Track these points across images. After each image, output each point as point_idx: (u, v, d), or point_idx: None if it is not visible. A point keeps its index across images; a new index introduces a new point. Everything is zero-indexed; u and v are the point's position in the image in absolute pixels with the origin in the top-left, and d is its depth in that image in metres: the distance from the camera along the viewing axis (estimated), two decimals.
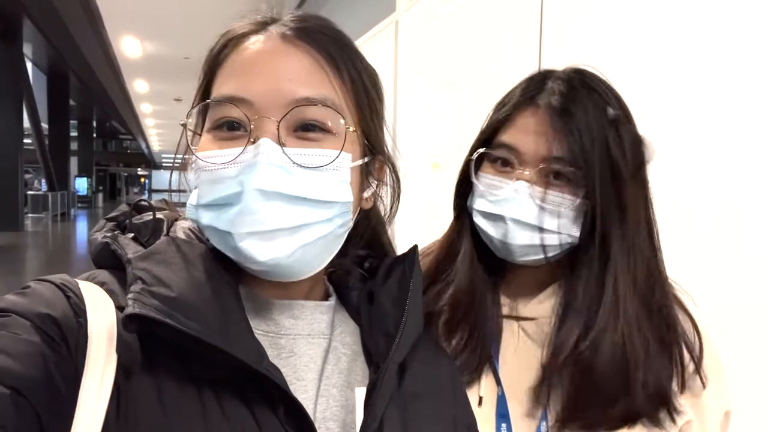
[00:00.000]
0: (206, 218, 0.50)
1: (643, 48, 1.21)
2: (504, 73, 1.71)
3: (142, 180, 50.07)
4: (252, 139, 0.49)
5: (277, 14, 0.55)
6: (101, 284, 0.49)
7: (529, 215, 0.70)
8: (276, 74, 0.50)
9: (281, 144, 0.49)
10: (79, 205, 22.11)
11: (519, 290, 0.79)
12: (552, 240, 0.71)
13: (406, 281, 0.58)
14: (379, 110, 0.58)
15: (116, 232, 0.54)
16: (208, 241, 0.53)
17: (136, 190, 48.46)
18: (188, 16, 7.05)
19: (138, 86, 13.49)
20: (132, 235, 0.54)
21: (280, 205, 0.48)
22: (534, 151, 0.70)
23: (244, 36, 0.53)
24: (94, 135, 27.72)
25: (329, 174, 0.50)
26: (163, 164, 52.51)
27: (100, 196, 26.33)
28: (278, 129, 0.49)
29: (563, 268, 0.74)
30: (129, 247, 0.51)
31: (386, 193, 0.62)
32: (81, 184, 23.41)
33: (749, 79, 0.99)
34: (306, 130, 0.50)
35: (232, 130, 0.50)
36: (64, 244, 11.67)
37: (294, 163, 0.48)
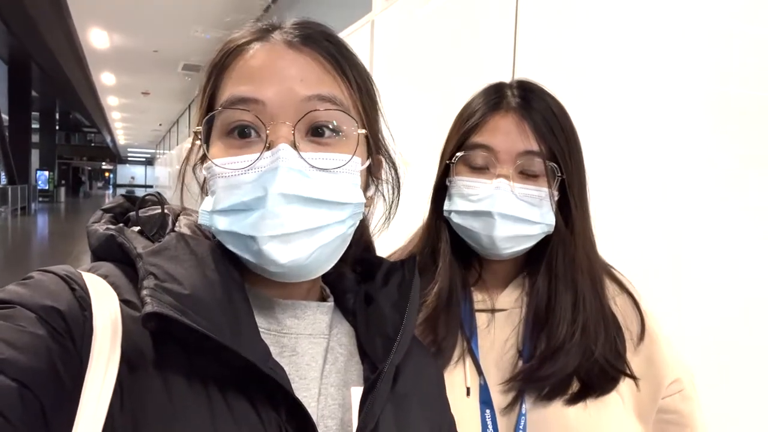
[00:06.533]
0: (223, 223, 0.50)
1: (613, 50, 1.26)
2: (478, 75, 1.75)
3: (107, 174, 48.86)
4: (267, 144, 0.49)
5: (278, 22, 0.55)
6: (104, 277, 0.48)
7: (513, 208, 0.75)
8: (286, 76, 0.50)
9: (297, 148, 0.49)
10: (40, 199, 21.46)
11: (491, 285, 0.85)
12: (533, 230, 0.77)
13: (407, 287, 0.59)
14: (378, 112, 0.59)
15: (121, 225, 0.54)
16: (214, 237, 0.53)
17: (100, 184, 47.27)
18: (158, 9, 6.92)
19: (105, 78, 13.14)
20: (138, 228, 0.54)
21: (300, 208, 0.49)
22: (509, 148, 0.76)
23: (247, 44, 0.53)
24: (57, 127, 26.93)
25: (343, 176, 0.51)
26: (129, 158, 51.37)
27: (62, 190, 25.60)
28: (293, 133, 0.49)
29: (528, 260, 0.83)
30: (137, 241, 0.50)
31: (386, 191, 0.63)
32: (42, 178, 22.77)
33: (702, 86, 1.04)
34: (318, 134, 0.51)
35: (243, 136, 0.51)
36: (24, 240, 11.30)
37: (311, 166, 0.49)
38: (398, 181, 0.63)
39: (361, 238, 0.64)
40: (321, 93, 0.51)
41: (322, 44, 0.53)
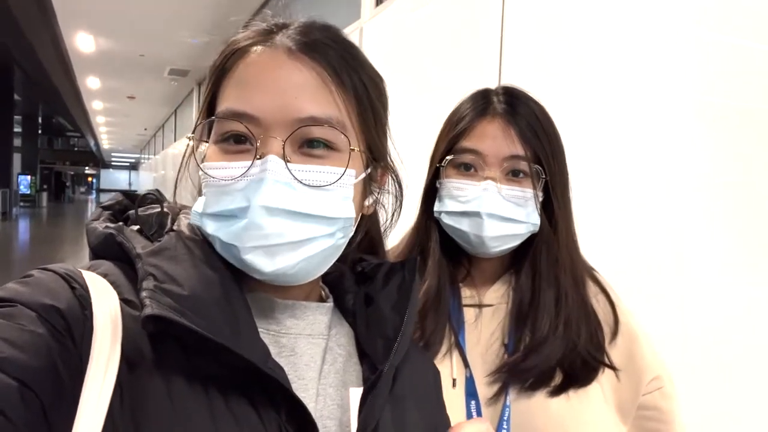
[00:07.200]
0: (211, 227, 0.51)
1: (596, 55, 1.30)
2: (465, 81, 1.79)
3: (90, 179, 48.28)
4: (258, 156, 0.49)
5: (283, 21, 0.55)
6: (104, 275, 0.48)
7: (500, 209, 0.79)
8: (281, 91, 0.50)
9: (286, 161, 0.49)
10: (22, 204, 21.12)
11: (479, 281, 0.88)
12: (519, 229, 0.81)
13: (407, 288, 0.59)
14: (383, 121, 0.59)
15: (120, 224, 0.54)
16: None
17: (82, 189, 46.69)
18: (144, 13, 6.89)
19: (90, 83, 12.99)
20: (137, 227, 0.54)
21: (284, 221, 0.48)
22: (496, 152, 0.80)
23: (249, 47, 0.53)
24: (39, 131, 26.60)
25: (333, 191, 0.51)
26: (113, 163, 50.78)
27: (44, 195, 25.26)
28: (284, 147, 0.49)
29: (515, 258, 0.86)
30: (136, 241, 0.50)
31: (388, 201, 0.63)
32: (24, 183, 22.48)
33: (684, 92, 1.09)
34: (311, 147, 0.51)
35: (238, 143, 0.51)
36: (5, 245, 11.13)
37: (298, 180, 0.49)
38: (401, 191, 0.63)
39: (364, 238, 0.64)
40: (314, 114, 0.50)
41: (325, 52, 0.52)
